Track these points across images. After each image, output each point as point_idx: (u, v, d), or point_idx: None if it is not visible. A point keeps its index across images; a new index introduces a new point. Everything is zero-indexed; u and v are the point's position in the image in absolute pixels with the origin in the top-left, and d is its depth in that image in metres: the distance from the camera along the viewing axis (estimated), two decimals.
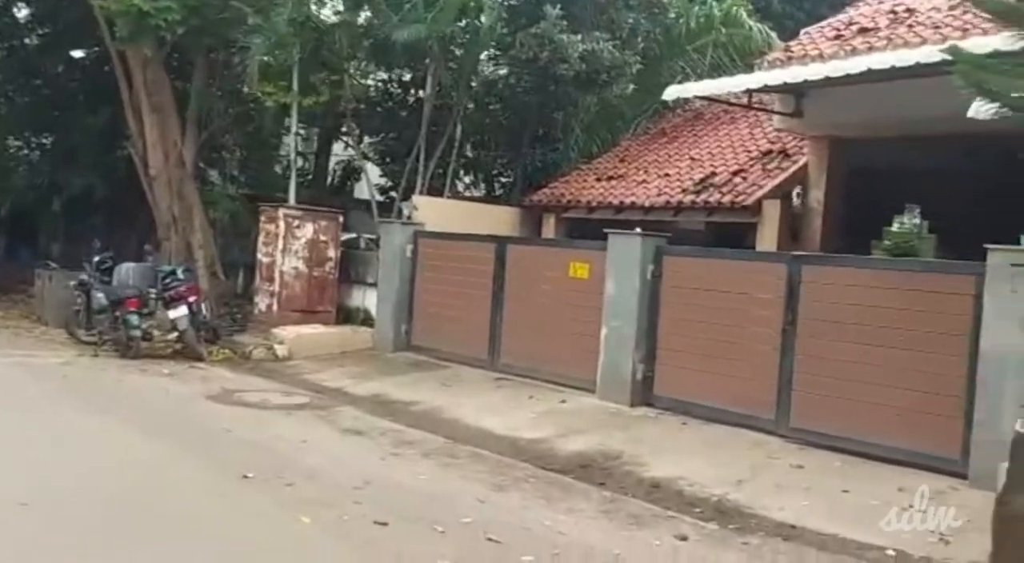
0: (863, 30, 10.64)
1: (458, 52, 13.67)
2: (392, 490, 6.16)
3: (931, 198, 11.62)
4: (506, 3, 12.91)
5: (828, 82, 9.56)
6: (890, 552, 5.39)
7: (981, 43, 6.46)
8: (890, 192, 12.37)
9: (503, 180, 16.73)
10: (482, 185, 16.53)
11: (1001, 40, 6.30)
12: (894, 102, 9.65)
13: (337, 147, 17.60)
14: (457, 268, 11.49)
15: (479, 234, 11.54)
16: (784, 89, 10.63)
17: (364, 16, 12.60)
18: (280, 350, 11.39)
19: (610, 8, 13.09)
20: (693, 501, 6.27)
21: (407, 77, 14.85)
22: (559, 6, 12.20)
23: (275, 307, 12.16)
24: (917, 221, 12.74)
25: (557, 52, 12.11)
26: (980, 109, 6.24)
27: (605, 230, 9.50)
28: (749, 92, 10.53)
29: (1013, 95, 5.78)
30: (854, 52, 9.99)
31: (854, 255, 7.50)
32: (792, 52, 10.77)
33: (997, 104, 5.84)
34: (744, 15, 14.11)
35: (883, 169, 11.72)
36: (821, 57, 10.29)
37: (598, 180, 13.98)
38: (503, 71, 14.67)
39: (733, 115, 14.81)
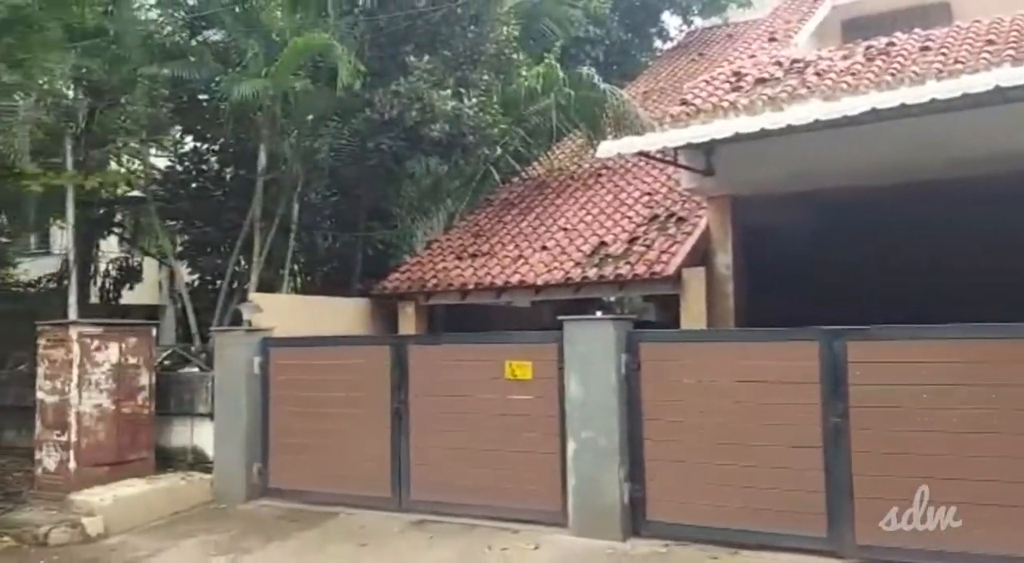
0: (760, 81, 9.92)
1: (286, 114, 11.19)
2: None
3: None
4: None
5: (737, 137, 8.63)
6: None
7: None
8: (782, 251, 11.81)
9: (326, 269, 14.21)
10: (305, 276, 13.85)
11: None
12: (830, 153, 8.91)
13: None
14: (332, 382, 8.91)
15: (364, 336, 9.19)
16: (694, 147, 9.59)
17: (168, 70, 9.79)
18: (91, 525, 7.98)
19: (464, 66, 11.37)
20: None
21: (215, 148, 12.01)
22: (425, 58, 10.23)
23: (71, 464, 8.67)
24: None
25: (426, 111, 10.12)
26: None
27: (559, 317, 7.58)
28: (675, 149, 9.29)
29: None
30: (772, 102, 9.16)
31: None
32: (696, 105, 9.73)
33: None
34: (596, 76, 13.04)
35: (777, 228, 11.08)
36: (735, 108, 9.35)
37: (459, 259, 12.05)
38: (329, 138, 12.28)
39: (585, 182, 13.72)
